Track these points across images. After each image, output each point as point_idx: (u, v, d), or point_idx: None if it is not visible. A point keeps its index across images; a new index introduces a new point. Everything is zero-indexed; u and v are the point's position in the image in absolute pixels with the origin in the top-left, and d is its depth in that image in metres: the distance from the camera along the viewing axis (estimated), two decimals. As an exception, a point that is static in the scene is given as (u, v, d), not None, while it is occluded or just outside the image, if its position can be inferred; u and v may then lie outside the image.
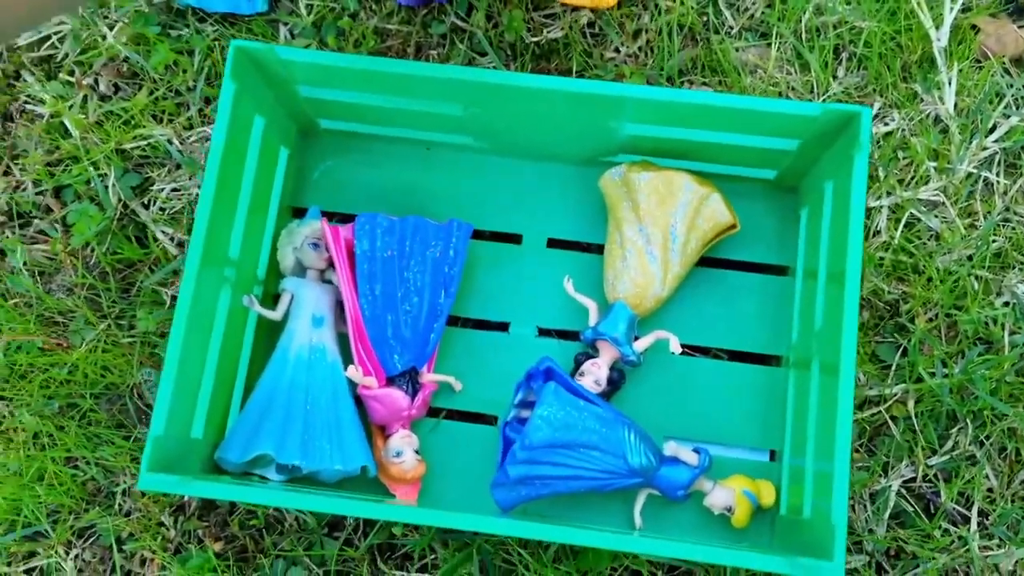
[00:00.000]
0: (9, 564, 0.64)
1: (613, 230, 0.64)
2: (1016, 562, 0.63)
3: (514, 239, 0.68)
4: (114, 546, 0.64)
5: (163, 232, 0.69)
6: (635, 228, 0.62)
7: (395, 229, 0.62)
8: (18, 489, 0.64)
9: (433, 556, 0.64)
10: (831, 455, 0.51)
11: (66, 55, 0.73)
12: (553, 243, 0.68)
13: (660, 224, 0.62)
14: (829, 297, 0.57)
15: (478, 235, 0.67)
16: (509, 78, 0.58)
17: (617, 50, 0.73)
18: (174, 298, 0.68)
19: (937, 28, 0.72)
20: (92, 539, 0.64)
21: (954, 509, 0.65)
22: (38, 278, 0.68)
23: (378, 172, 0.69)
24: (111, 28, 0.73)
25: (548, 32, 0.73)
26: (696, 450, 0.60)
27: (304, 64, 0.58)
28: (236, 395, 0.62)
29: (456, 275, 0.63)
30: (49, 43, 0.73)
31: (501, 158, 0.69)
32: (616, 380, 0.63)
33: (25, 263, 0.68)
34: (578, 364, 0.63)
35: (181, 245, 0.69)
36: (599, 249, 0.67)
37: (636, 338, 0.63)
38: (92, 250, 0.69)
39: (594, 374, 0.62)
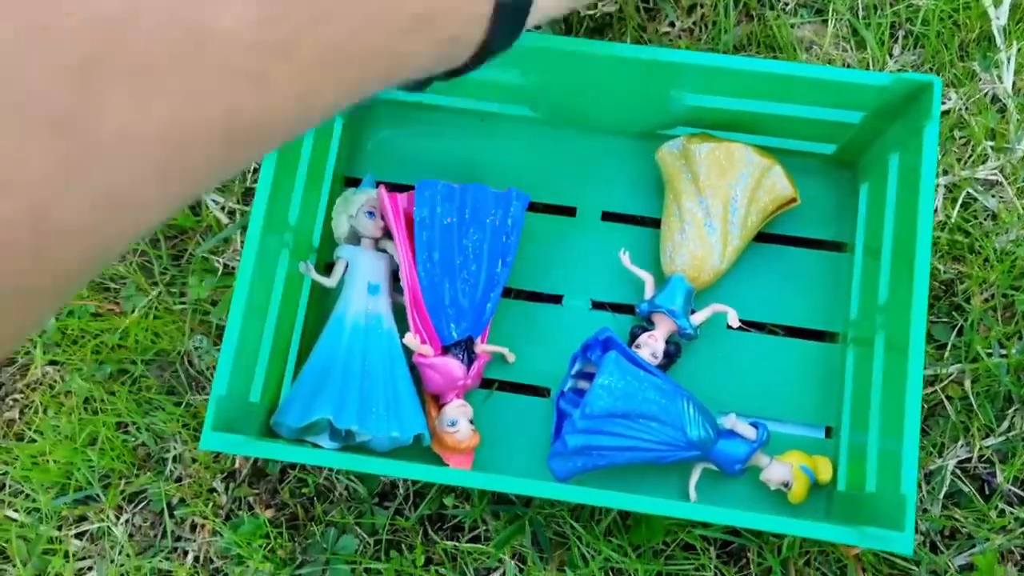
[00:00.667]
0: (60, 528, 0.64)
1: (671, 202, 0.63)
2: (1075, 543, 0.62)
3: (568, 211, 0.68)
4: (165, 511, 0.63)
5: (214, 201, 0.69)
6: (694, 200, 0.62)
7: (455, 196, 0.61)
8: (70, 453, 0.64)
9: (485, 527, 0.63)
10: (899, 430, 0.51)
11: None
12: (607, 216, 0.68)
13: (720, 196, 0.61)
14: (895, 273, 0.56)
15: (532, 207, 0.67)
16: (568, 43, 0.57)
17: (672, 24, 0.72)
18: (225, 266, 0.68)
19: (996, 6, 0.71)
20: (143, 504, 0.64)
21: (1010, 490, 0.64)
22: (90, 243, 0.68)
23: (431, 143, 0.69)
24: None
25: (603, 6, 0.72)
26: (754, 424, 0.60)
27: None
28: (290, 361, 0.62)
29: (513, 244, 0.63)
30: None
31: (556, 130, 0.68)
32: (672, 353, 0.63)
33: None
34: (634, 337, 0.63)
35: (232, 214, 0.69)
36: (653, 223, 0.67)
37: (693, 311, 0.62)
38: (144, 216, 0.69)
39: (651, 346, 0.61)
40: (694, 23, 0.72)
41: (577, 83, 0.61)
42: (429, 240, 0.61)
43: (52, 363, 0.66)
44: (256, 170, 0.69)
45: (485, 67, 0.61)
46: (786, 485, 0.59)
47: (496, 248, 0.62)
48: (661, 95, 0.61)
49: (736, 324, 0.61)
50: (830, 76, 0.55)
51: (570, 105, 0.65)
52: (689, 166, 0.61)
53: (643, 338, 0.62)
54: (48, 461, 0.64)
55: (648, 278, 0.63)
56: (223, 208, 0.69)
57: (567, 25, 0.72)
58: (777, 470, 0.59)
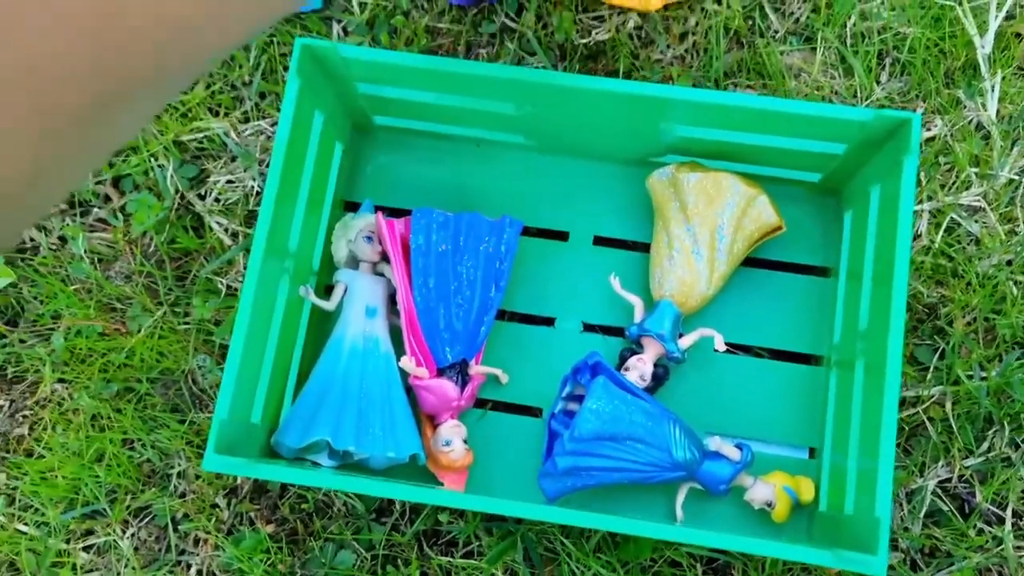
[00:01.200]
0: (68, 541, 0.66)
1: (660, 229, 0.65)
2: (1050, 563, 0.64)
3: (561, 236, 0.70)
4: (170, 526, 0.66)
5: (218, 223, 0.71)
6: (682, 227, 0.64)
7: (450, 224, 0.63)
8: (78, 468, 0.66)
9: (478, 543, 0.65)
10: (875, 452, 0.53)
11: (125, 48, 0.75)
12: (599, 241, 0.70)
13: (707, 224, 0.63)
14: (875, 299, 0.58)
15: (526, 231, 0.69)
16: (562, 79, 0.59)
17: (663, 52, 0.74)
18: (229, 287, 0.70)
19: (981, 35, 0.73)
20: (148, 519, 0.66)
21: (989, 510, 0.66)
22: (97, 265, 0.71)
23: (429, 168, 0.71)
24: (170, 22, 0.74)
25: (596, 34, 0.74)
26: (738, 446, 0.62)
27: (364, 62, 0.60)
28: (290, 382, 0.64)
29: (506, 270, 0.65)
30: (109, 36, 0.75)
31: (550, 156, 0.70)
32: (660, 376, 0.65)
33: (86, 250, 0.70)
34: (623, 359, 0.65)
35: (235, 236, 0.71)
36: (644, 248, 0.69)
37: (681, 335, 0.64)
38: (151, 239, 0.71)
39: (639, 369, 0.63)
40: (685, 50, 0.74)
41: (570, 114, 0.63)
42: (425, 267, 0.63)
43: (61, 381, 0.69)
44: (259, 194, 0.71)
45: (480, 99, 0.63)
46: (769, 505, 0.61)
47: (490, 274, 0.64)
48: (651, 126, 0.63)
49: (722, 348, 0.63)
50: (813, 112, 0.57)
51: (563, 134, 0.67)
52: (678, 194, 0.63)
53: (632, 361, 0.64)
54: (56, 476, 0.66)
55: (638, 302, 0.65)
56: (226, 230, 0.71)
57: (562, 52, 0.74)
58: (761, 490, 0.61)
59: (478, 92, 0.62)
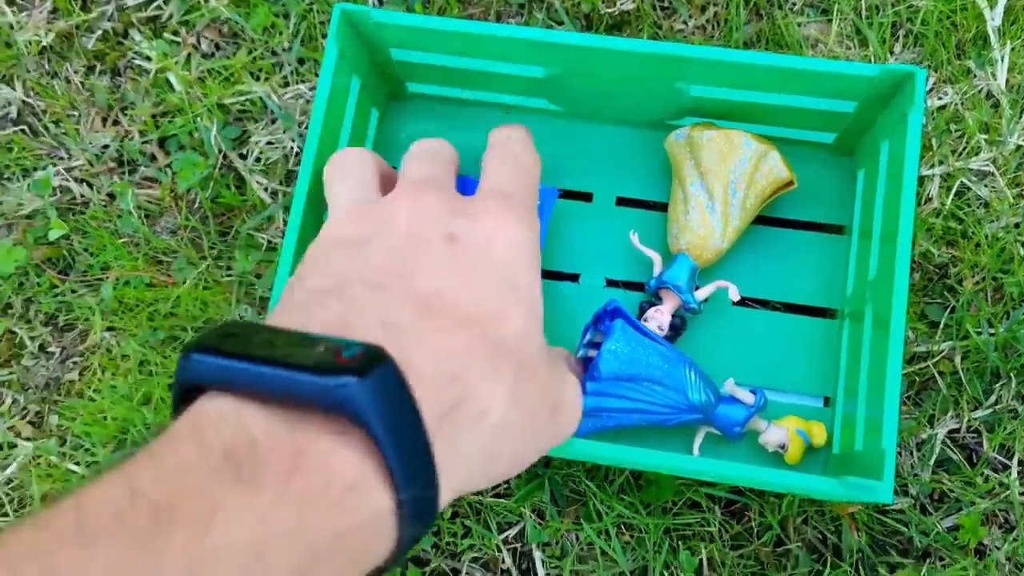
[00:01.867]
0: (116, 479, 0.69)
1: (676, 187, 0.68)
2: (1054, 507, 0.67)
3: (586, 197, 0.73)
4: (213, 465, 0.69)
5: (258, 182, 0.75)
6: (697, 184, 0.67)
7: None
8: (126, 411, 0.70)
9: (506, 485, 0.69)
10: (882, 387, 0.55)
11: (171, 15, 0.78)
12: (621, 201, 0.73)
13: (720, 179, 0.66)
14: (883, 250, 0.61)
15: (552, 192, 0.72)
16: (589, 39, 0.62)
17: (685, 23, 0.77)
18: (269, 242, 0.73)
19: (992, 8, 0.76)
20: (192, 459, 0.70)
21: (996, 458, 0.69)
22: (144, 220, 0.74)
23: (460, 134, 0.73)
24: (214, -8, 0.78)
25: (621, 4, 0.77)
26: (752, 391, 0.65)
27: (397, 26, 0.63)
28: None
29: (543, 234, 0.68)
30: (156, 4, 0.79)
31: (573, 122, 0.73)
32: (678, 326, 0.68)
33: (134, 206, 0.74)
34: (643, 311, 0.68)
35: (275, 194, 0.75)
36: (663, 207, 0.72)
37: (697, 287, 0.67)
38: (195, 195, 0.74)
39: (657, 320, 0.66)
40: (707, 21, 0.77)
41: (595, 78, 0.66)
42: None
43: (110, 329, 0.72)
44: (298, 154, 0.75)
45: (509, 63, 0.66)
46: (782, 447, 0.64)
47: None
48: (669, 87, 0.66)
49: (737, 298, 0.66)
50: (823, 67, 0.60)
51: (587, 99, 0.70)
52: (693, 153, 0.66)
53: (651, 312, 0.67)
54: (106, 418, 0.70)
55: (656, 257, 0.69)
56: (266, 189, 0.75)
57: (588, 21, 0.77)
58: (774, 433, 0.64)
59: (508, 55, 0.65)
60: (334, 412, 0.27)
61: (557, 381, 0.39)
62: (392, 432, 0.27)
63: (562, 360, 0.40)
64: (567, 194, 0.73)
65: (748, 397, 0.64)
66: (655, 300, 0.68)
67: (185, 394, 0.29)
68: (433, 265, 0.37)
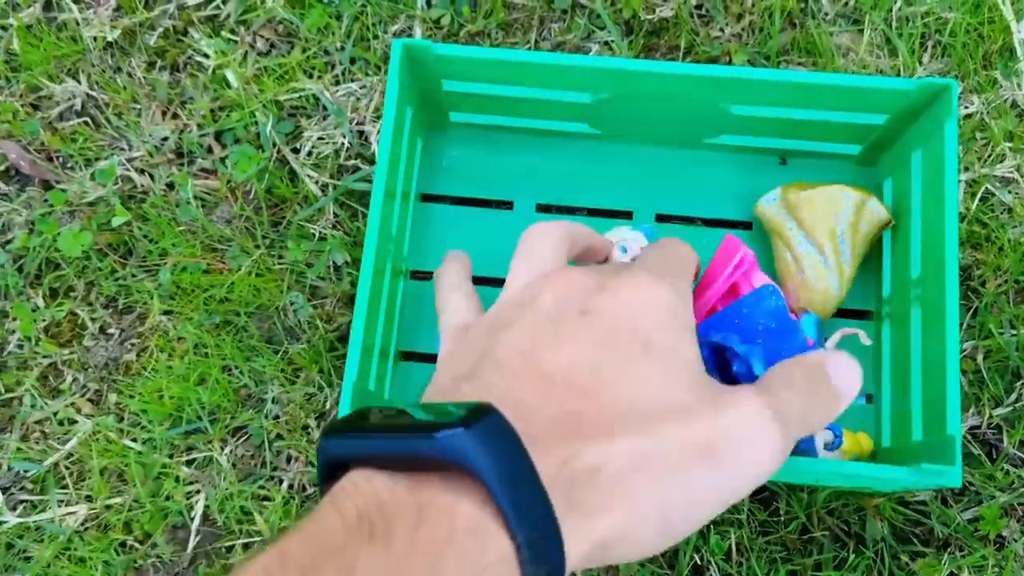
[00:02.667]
0: (171, 456, 0.73)
1: (782, 250, 0.70)
2: (1072, 501, 0.69)
3: (626, 215, 0.75)
4: (265, 444, 0.72)
5: (309, 175, 0.78)
6: (805, 243, 0.69)
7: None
8: (182, 391, 0.73)
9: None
10: (943, 378, 0.57)
11: (229, 15, 0.82)
12: (661, 218, 0.75)
13: (828, 234, 0.68)
14: (927, 249, 0.63)
15: (593, 212, 0.75)
16: (642, 65, 0.63)
17: (722, 30, 0.80)
18: (320, 233, 0.76)
19: (1018, 21, 0.79)
20: (244, 438, 0.73)
21: (1015, 453, 0.71)
22: (201, 209, 0.78)
23: (500, 159, 0.76)
24: (270, -7, 0.82)
25: (660, 11, 0.80)
26: (831, 429, 0.66)
27: (457, 59, 0.65)
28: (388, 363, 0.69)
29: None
30: (215, 3, 0.82)
31: (611, 143, 0.76)
32: None
33: (192, 196, 0.77)
34: None
35: (325, 187, 0.78)
36: (703, 222, 0.74)
37: (825, 339, 0.69)
38: (250, 187, 0.78)
39: None
40: (742, 29, 0.80)
41: (637, 100, 0.68)
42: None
43: (167, 313, 0.76)
44: (348, 149, 0.78)
45: (561, 90, 0.67)
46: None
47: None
48: (712, 107, 0.68)
49: (868, 342, 0.66)
50: (859, 84, 0.63)
51: (626, 120, 0.72)
52: (793, 214, 0.69)
53: None
54: (163, 397, 0.73)
55: None
56: (317, 182, 0.78)
57: (628, 27, 0.80)
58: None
59: (562, 83, 0.67)
60: (449, 465, 0.29)
61: (709, 421, 0.35)
62: (501, 476, 0.29)
63: (734, 395, 0.37)
64: (608, 213, 0.75)
65: (827, 435, 0.66)
66: None
67: (328, 475, 0.32)
68: (563, 340, 0.37)
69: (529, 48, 0.80)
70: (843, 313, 0.73)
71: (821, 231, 0.68)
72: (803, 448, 0.65)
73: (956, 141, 0.61)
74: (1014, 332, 0.73)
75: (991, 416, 0.72)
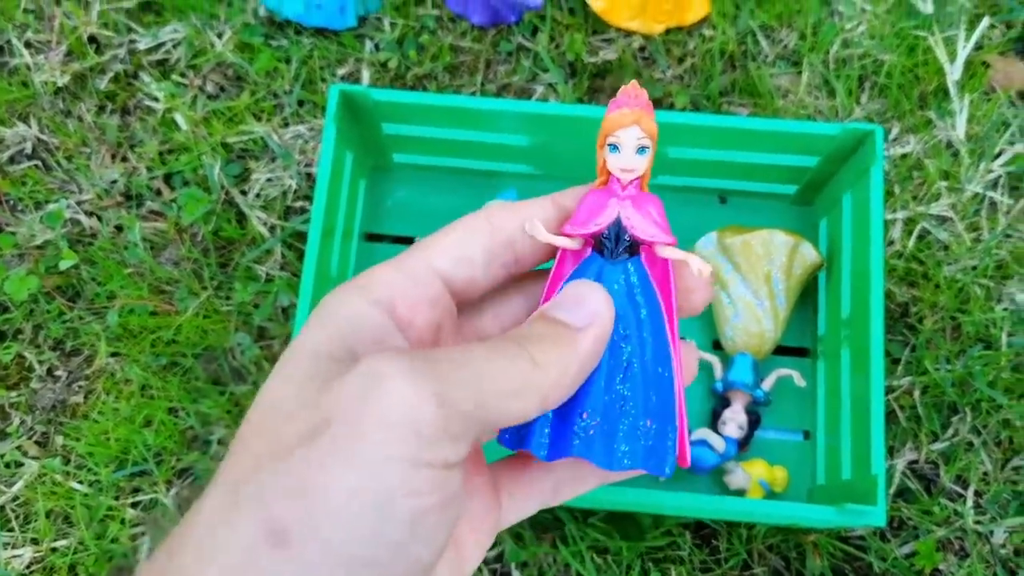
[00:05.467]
0: (117, 498, 0.73)
1: (719, 293, 0.72)
2: (1006, 535, 0.70)
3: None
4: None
5: (258, 217, 0.79)
6: (741, 286, 0.70)
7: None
8: (128, 432, 0.73)
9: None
10: (867, 418, 0.59)
11: (179, 59, 0.83)
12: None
13: (763, 277, 0.70)
14: (855, 291, 0.65)
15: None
16: (564, 109, 0.65)
17: (664, 72, 0.82)
18: (267, 274, 0.77)
19: (951, 63, 0.81)
20: (190, 479, 0.74)
21: (952, 488, 0.72)
22: (149, 251, 0.78)
23: (444, 199, 0.77)
24: (220, 37, 0.83)
25: (603, 53, 0.82)
26: (724, 438, 0.68)
27: (395, 104, 0.66)
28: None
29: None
30: (165, 48, 0.83)
31: (552, 182, 0.77)
32: (755, 421, 0.70)
33: (140, 238, 0.78)
34: (716, 415, 0.71)
35: (273, 228, 0.79)
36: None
37: (761, 380, 0.71)
38: (198, 229, 0.78)
39: (735, 420, 0.69)
40: (685, 71, 0.82)
41: (576, 143, 0.69)
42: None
43: (114, 355, 0.76)
44: (296, 191, 0.79)
45: (499, 134, 0.68)
46: (741, 492, 0.68)
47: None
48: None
49: (802, 383, 0.69)
50: (789, 128, 0.65)
51: (567, 161, 0.73)
52: (729, 257, 0.70)
53: (726, 414, 0.69)
54: (109, 439, 0.74)
55: (715, 360, 0.71)
56: (265, 223, 0.79)
57: (572, 69, 0.82)
58: (739, 478, 0.68)
59: (499, 127, 0.68)
60: None
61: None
62: None
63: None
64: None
65: (719, 444, 0.68)
66: (725, 402, 0.71)
67: None
68: None
69: (475, 91, 0.82)
70: (783, 350, 0.74)
71: (756, 275, 0.70)
72: (700, 467, 0.67)
73: (882, 186, 0.62)
74: (949, 368, 0.74)
75: (928, 451, 0.73)
